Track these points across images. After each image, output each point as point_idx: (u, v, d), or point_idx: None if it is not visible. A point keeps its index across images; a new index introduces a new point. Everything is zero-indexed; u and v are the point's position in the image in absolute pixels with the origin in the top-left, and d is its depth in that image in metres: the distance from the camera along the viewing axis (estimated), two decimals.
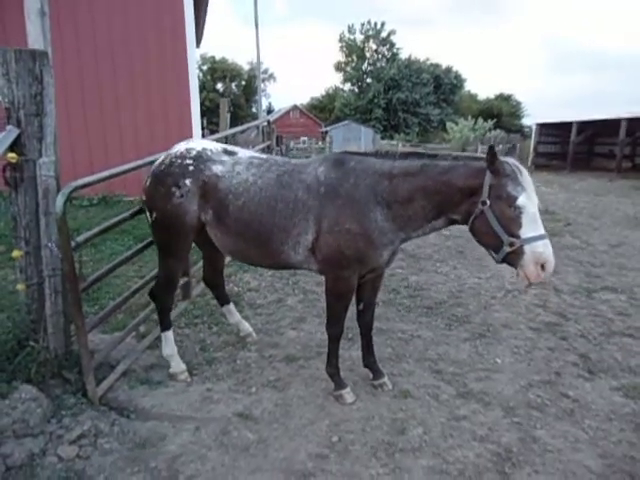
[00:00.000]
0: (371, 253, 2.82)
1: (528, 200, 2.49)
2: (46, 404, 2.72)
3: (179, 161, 3.01)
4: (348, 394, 3.14)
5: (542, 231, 2.50)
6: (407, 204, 2.76)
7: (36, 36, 2.84)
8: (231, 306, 3.98)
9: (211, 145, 3.18)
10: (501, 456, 2.65)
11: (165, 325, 3.39)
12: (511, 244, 2.50)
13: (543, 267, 2.48)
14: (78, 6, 9.09)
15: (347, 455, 2.65)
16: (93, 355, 3.10)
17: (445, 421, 2.96)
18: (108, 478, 2.42)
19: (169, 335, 3.40)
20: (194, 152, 3.05)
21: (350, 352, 3.77)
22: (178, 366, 3.35)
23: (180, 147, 3.13)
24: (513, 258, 2.54)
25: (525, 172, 2.56)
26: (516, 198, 2.47)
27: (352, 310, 3.19)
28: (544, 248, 2.47)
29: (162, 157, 3.12)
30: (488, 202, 2.53)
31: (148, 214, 3.13)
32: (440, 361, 3.71)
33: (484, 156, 2.56)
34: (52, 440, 2.58)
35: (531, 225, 2.49)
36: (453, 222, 2.81)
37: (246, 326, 3.98)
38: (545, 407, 3.13)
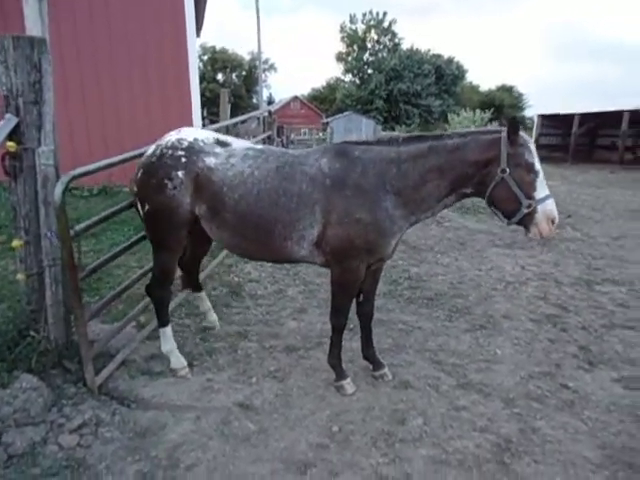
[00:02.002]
0: (381, 242, 2.83)
1: (539, 166, 2.74)
2: (47, 393, 2.73)
3: (170, 152, 2.91)
4: (349, 385, 3.14)
5: (548, 191, 2.75)
6: (421, 186, 2.83)
7: (34, 20, 2.81)
8: (203, 294, 3.95)
9: (203, 135, 3.06)
10: (501, 447, 2.66)
11: (163, 321, 3.31)
12: (529, 206, 2.71)
13: (553, 222, 2.74)
14: None
15: (347, 445, 2.66)
16: (92, 344, 3.09)
17: (445, 412, 2.97)
18: (109, 467, 2.43)
19: (167, 331, 3.33)
20: (186, 143, 2.95)
21: (351, 343, 3.77)
22: (178, 362, 3.29)
23: (171, 137, 3.01)
24: (527, 219, 2.76)
25: (532, 141, 2.82)
26: (534, 164, 2.71)
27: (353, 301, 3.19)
28: (552, 205, 2.74)
29: (152, 148, 3.01)
30: (508, 170, 2.69)
31: (140, 206, 3.03)
32: (440, 352, 3.72)
33: (488, 129, 2.87)
34: (53, 429, 2.59)
35: (542, 187, 2.73)
36: (464, 196, 2.95)
37: (214, 317, 3.96)
38: (545, 398, 3.13)
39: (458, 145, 2.79)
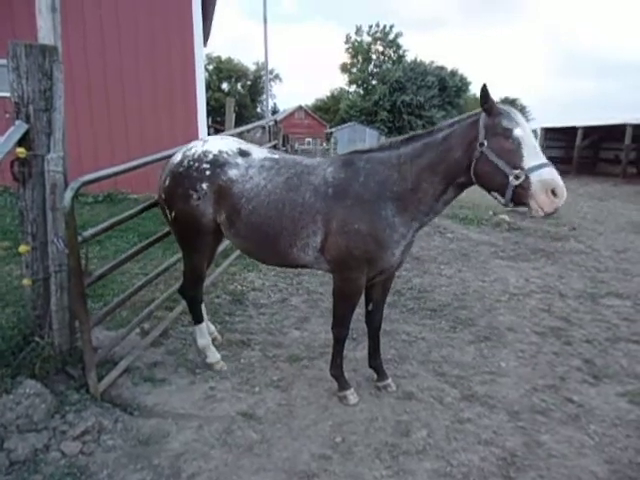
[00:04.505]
0: (381, 253, 2.82)
1: (524, 132, 2.49)
2: (50, 400, 2.71)
3: (196, 164, 3.03)
4: (352, 395, 3.13)
5: (544, 160, 2.47)
6: (417, 187, 2.76)
7: (47, 31, 2.84)
8: (202, 307, 3.68)
9: (227, 146, 3.13)
10: (506, 460, 2.63)
11: (197, 318, 3.49)
12: (517, 176, 2.45)
13: (554, 193, 2.42)
14: (85, 2, 9.12)
15: (350, 456, 2.64)
16: (96, 351, 3.09)
17: (449, 424, 2.94)
18: (111, 475, 2.42)
19: (203, 327, 3.51)
20: (211, 156, 3.05)
21: (354, 353, 3.76)
22: (214, 356, 3.49)
23: (197, 149, 3.11)
24: (521, 193, 2.47)
25: (519, 114, 2.56)
26: (512, 130, 2.48)
27: (357, 311, 3.18)
28: (550, 174, 2.43)
29: (179, 157, 3.13)
30: (485, 142, 2.53)
31: (167, 212, 3.17)
32: (444, 364, 3.70)
33: (474, 112, 2.67)
34: (56, 436, 2.58)
35: (533, 155, 2.46)
36: (462, 186, 2.77)
37: (212, 328, 3.91)
38: (550, 412, 3.11)
39: (447, 135, 2.71)
